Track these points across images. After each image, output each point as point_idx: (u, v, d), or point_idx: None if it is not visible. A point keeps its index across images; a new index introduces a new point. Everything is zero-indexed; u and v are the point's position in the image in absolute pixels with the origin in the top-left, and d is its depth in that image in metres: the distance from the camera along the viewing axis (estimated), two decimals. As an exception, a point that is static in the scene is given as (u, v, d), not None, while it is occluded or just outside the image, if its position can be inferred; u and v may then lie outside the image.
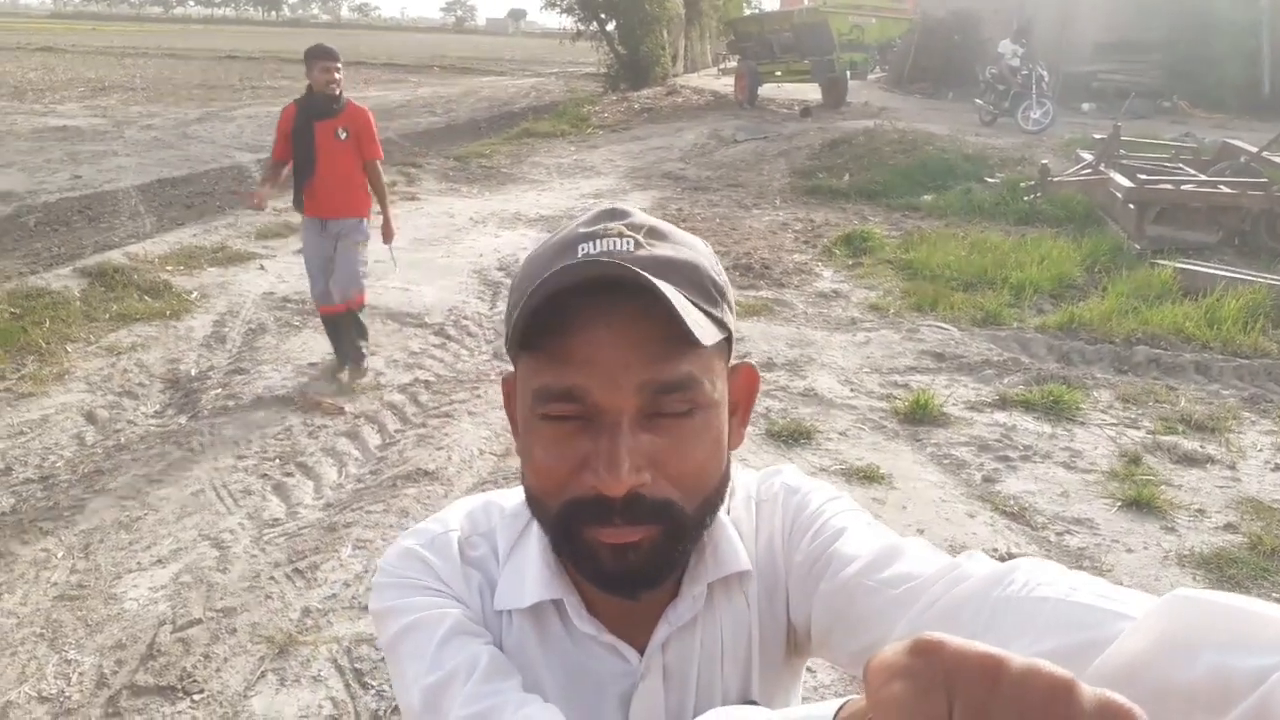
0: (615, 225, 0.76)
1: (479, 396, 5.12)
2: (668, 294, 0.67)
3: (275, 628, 3.20)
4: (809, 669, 2.84)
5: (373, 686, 2.93)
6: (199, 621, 3.22)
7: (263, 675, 2.99)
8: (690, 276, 0.75)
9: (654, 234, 0.77)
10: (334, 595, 3.37)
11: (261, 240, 8.07)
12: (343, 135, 4.97)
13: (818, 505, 0.84)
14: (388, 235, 5.37)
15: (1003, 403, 5.15)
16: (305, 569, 3.52)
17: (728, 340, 0.78)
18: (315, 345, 5.76)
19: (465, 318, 6.40)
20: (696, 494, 0.75)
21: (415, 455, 4.40)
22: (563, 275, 0.68)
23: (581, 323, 0.71)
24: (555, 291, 0.68)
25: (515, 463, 4.31)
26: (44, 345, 5.57)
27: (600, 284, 0.69)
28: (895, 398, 5.16)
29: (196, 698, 2.89)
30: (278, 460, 4.33)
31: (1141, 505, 4.02)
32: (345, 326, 5.21)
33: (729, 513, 0.86)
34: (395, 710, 2.85)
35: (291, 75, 25.10)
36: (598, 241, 0.75)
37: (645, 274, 0.68)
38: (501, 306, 6.63)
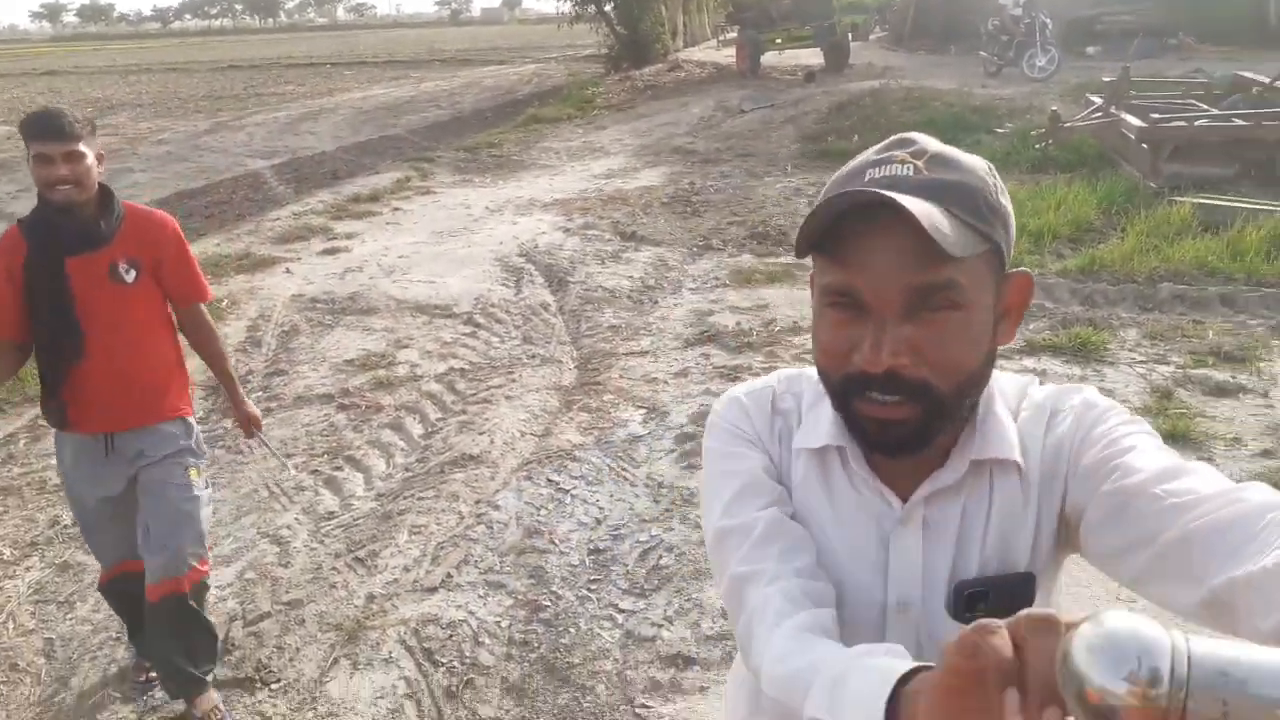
0: (900, 153, 0.91)
1: (514, 381, 5.21)
2: (917, 215, 0.80)
3: (342, 615, 3.31)
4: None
5: (443, 664, 3.04)
6: (268, 615, 3.33)
7: (335, 661, 3.10)
8: (962, 196, 0.87)
9: (936, 160, 0.90)
10: (395, 580, 3.48)
11: (284, 244, 8.18)
12: (127, 275, 2.63)
13: (1115, 422, 0.94)
14: (247, 423, 3.10)
15: (1030, 349, 5.19)
16: (365, 557, 3.63)
17: (997, 253, 0.90)
18: (348, 342, 5.87)
19: (492, 305, 6.48)
20: (952, 378, 0.89)
21: (459, 441, 4.50)
22: (834, 203, 0.85)
23: (859, 234, 0.87)
24: (827, 214, 0.86)
25: (555, 442, 4.42)
26: (86, 362, 5.70)
27: (870, 205, 0.84)
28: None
29: (274, 687, 3.01)
30: (326, 456, 4.44)
31: (1177, 438, 4.07)
32: (166, 622, 2.73)
33: (1016, 417, 0.99)
34: (468, 684, 2.95)
35: (294, 79, 25.26)
36: (883, 168, 0.90)
37: (899, 198, 0.82)
38: (525, 292, 6.73)
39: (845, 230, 0.87)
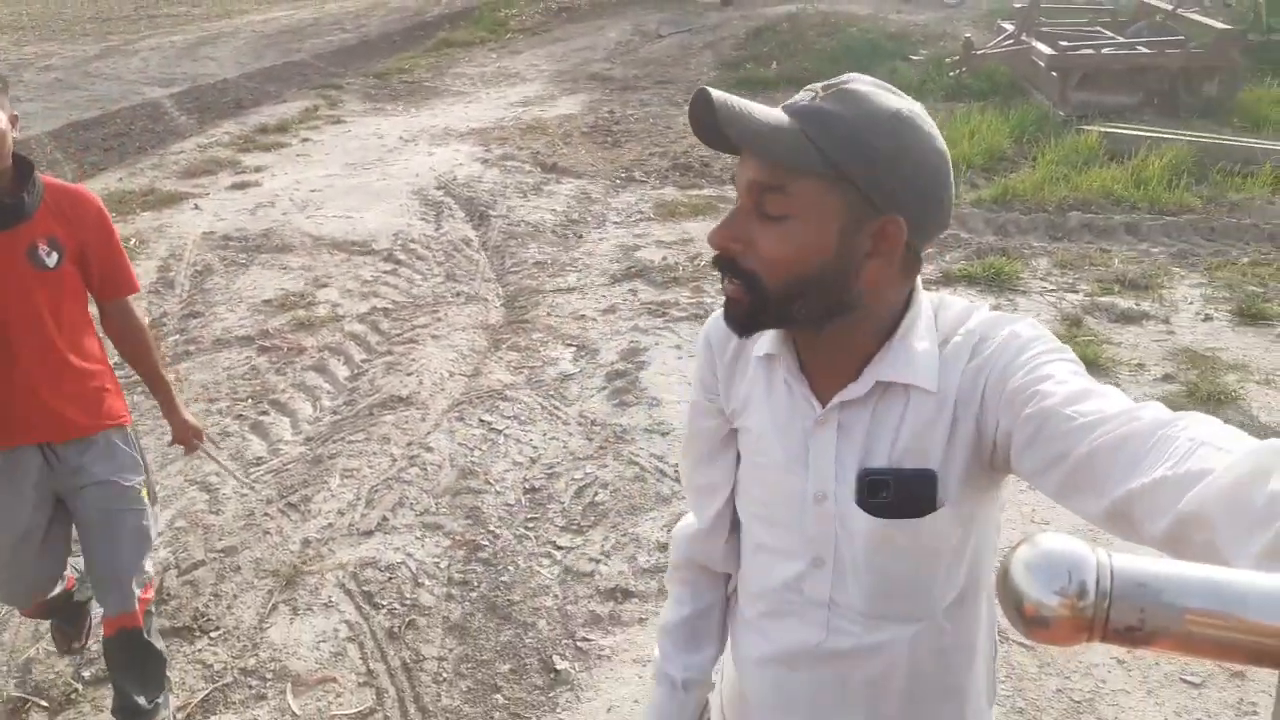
0: (818, 86, 1.03)
1: (440, 320, 5.16)
2: (723, 116, 0.98)
3: (278, 561, 3.30)
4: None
5: (384, 606, 3.07)
6: (202, 563, 3.31)
7: (274, 607, 3.10)
8: (824, 124, 1.00)
9: (836, 94, 1.02)
10: (330, 524, 3.48)
11: (191, 179, 7.85)
12: (49, 258, 2.27)
13: (1038, 350, 1.01)
14: (186, 436, 2.68)
15: (946, 279, 5.34)
16: (298, 502, 3.60)
17: (849, 184, 1.00)
18: (264, 281, 5.72)
19: (413, 241, 6.37)
20: (776, 278, 1.03)
21: (386, 383, 4.46)
22: (692, 100, 1.01)
23: None
24: (690, 112, 1.03)
25: (485, 382, 4.42)
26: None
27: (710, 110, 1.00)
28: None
29: (213, 635, 3.00)
30: (250, 400, 4.36)
31: (1086, 364, 4.20)
32: (122, 655, 2.46)
33: (948, 341, 1.08)
34: (410, 625, 2.99)
35: (191, 0, 23.94)
36: (799, 94, 1.04)
37: (726, 104, 0.98)
38: (446, 227, 6.62)
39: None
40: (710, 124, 1.01)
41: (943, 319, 1.11)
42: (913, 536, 1.09)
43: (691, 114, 1.02)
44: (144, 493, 2.51)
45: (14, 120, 2.23)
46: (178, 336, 5.00)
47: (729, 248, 1.04)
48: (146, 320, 2.51)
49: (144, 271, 5.82)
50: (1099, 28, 10.07)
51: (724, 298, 1.08)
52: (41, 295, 2.26)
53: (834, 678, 1.19)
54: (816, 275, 1.03)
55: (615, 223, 6.60)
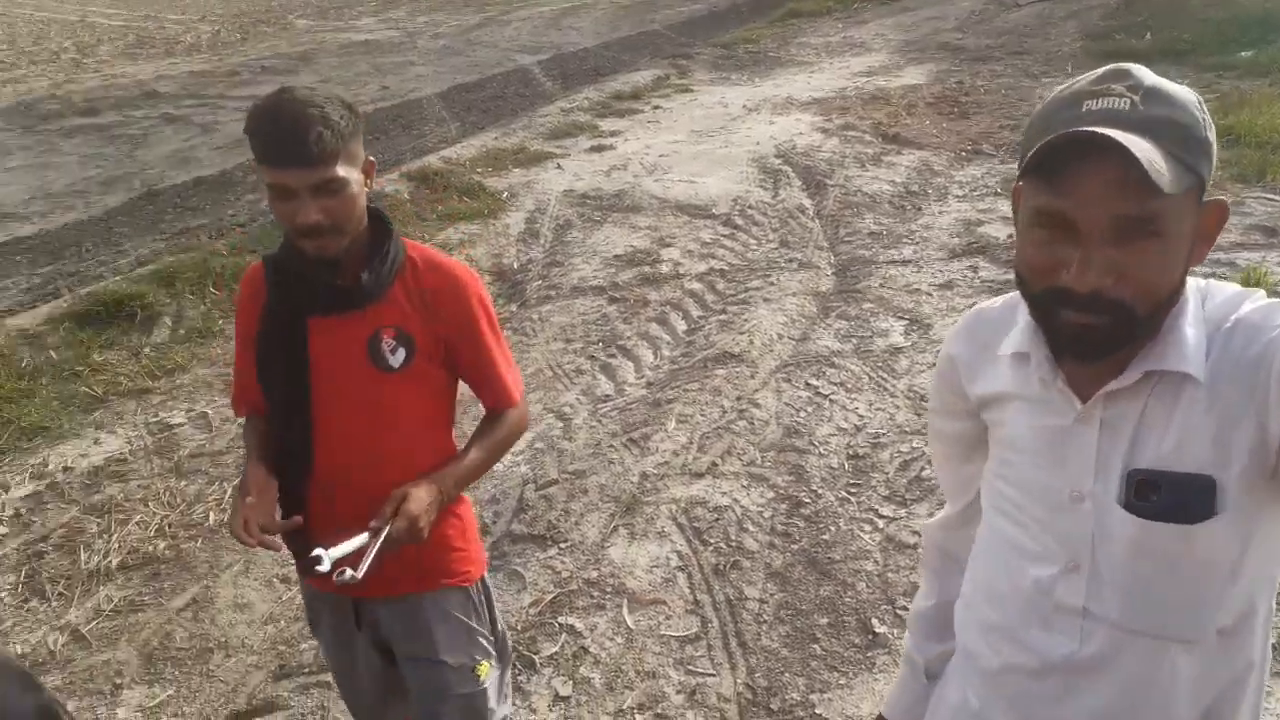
0: (1118, 86, 0.97)
1: (772, 284, 5.33)
2: (1137, 155, 0.88)
3: (620, 489, 3.64)
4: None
5: (711, 543, 3.30)
6: (555, 482, 3.71)
7: (615, 529, 3.43)
8: (1175, 133, 0.94)
9: (1151, 95, 0.96)
10: (666, 463, 3.77)
11: (555, 140, 8.57)
12: (393, 356, 1.72)
13: None
14: (414, 519, 1.59)
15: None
16: (638, 439, 3.93)
17: (1201, 185, 0.97)
18: (616, 238, 6.17)
19: (750, 207, 6.58)
20: (1148, 300, 0.97)
21: (720, 339, 4.70)
22: (1061, 136, 0.94)
23: (1075, 164, 0.95)
24: (1055, 146, 0.94)
25: (812, 347, 4.54)
26: (387, 245, 6.31)
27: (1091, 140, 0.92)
28: (1222, 277, 4.85)
29: (562, 545, 3.38)
30: (600, 344, 4.78)
31: None
32: None
33: (1219, 328, 1.02)
34: (734, 565, 3.20)
35: (554, -28, 25.73)
36: (1100, 100, 0.96)
37: (1121, 136, 0.90)
38: (783, 195, 6.76)
39: (1060, 159, 0.95)
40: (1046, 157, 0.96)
41: (1211, 306, 1.04)
42: (1184, 545, 1.00)
43: (1048, 154, 0.96)
44: (484, 672, 1.94)
45: (370, 170, 1.73)
46: (540, 282, 5.55)
47: (1104, 285, 0.95)
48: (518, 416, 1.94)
49: (513, 222, 6.49)
50: None
51: (1064, 327, 1.00)
52: (382, 402, 1.74)
53: (1083, 694, 1.10)
54: (1177, 282, 1.00)
55: (958, 196, 6.43)
